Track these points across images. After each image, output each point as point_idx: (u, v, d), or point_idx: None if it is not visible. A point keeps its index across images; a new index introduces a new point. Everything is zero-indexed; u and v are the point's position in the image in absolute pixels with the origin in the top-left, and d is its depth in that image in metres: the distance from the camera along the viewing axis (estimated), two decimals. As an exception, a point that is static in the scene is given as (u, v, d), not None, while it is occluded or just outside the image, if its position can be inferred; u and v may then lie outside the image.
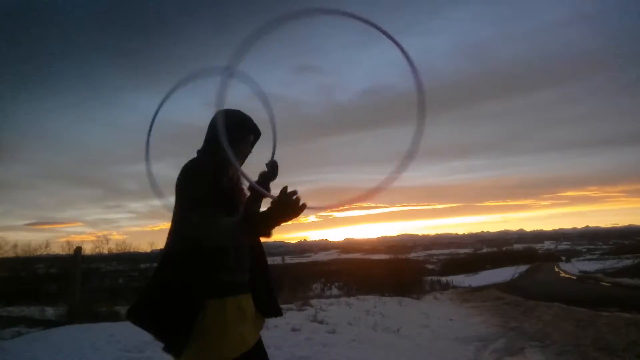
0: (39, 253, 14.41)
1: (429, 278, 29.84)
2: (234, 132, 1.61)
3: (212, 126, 1.69)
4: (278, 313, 1.80)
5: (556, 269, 48.93)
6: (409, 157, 1.33)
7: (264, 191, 1.43)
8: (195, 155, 1.69)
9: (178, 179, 1.56)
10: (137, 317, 1.50)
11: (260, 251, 1.79)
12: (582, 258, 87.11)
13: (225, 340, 1.48)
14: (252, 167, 1.87)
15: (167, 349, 1.49)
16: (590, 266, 50.48)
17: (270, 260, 2.00)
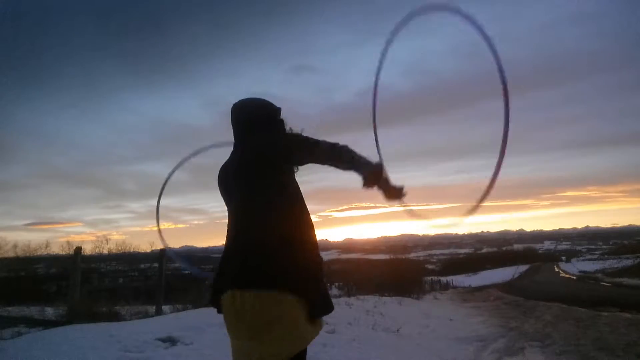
0: (39, 253, 14.43)
1: (429, 278, 29.80)
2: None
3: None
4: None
5: (556, 269, 48.94)
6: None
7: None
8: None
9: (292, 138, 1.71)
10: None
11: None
12: (582, 258, 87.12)
13: (291, 335, 1.47)
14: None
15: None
16: (590, 266, 50.50)
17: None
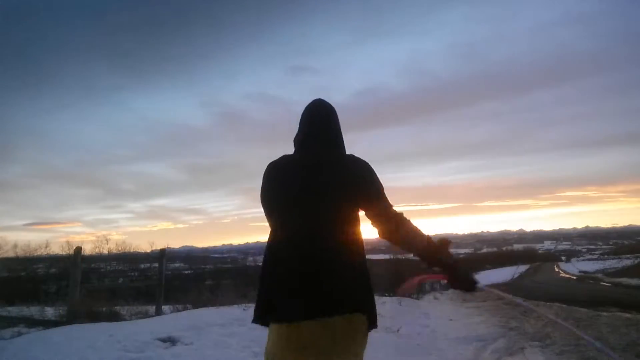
0: (38, 253, 14.43)
1: (429, 278, 29.76)
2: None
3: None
4: None
5: (556, 269, 49.04)
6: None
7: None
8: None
9: (367, 171, 1.61)
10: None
11: None
12: (582, 258, 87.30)
13: None
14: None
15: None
16: (590, 266, 50.58)
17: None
